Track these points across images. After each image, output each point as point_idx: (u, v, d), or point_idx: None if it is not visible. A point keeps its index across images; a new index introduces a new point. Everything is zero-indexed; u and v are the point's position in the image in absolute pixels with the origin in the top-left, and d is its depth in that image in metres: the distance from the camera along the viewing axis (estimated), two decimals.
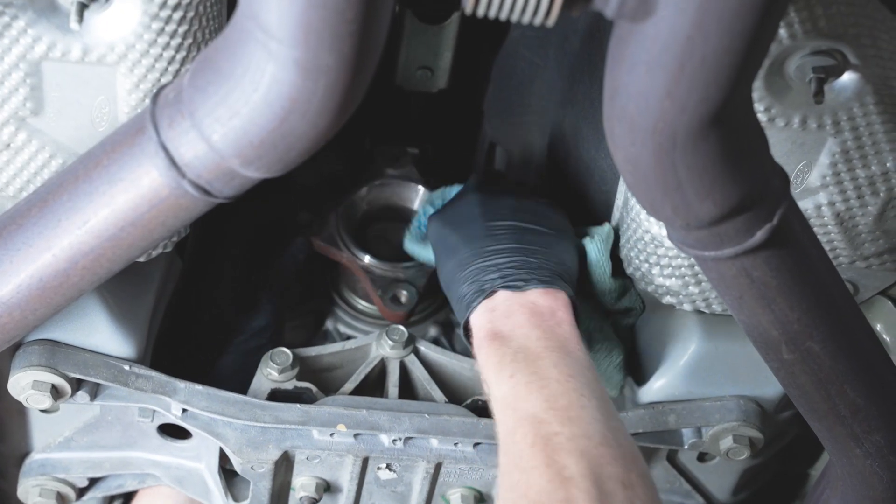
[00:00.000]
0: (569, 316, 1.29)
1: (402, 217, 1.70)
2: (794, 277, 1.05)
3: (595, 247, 1.46)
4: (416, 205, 1.74)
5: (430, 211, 1.54)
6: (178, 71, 1.13)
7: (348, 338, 1.71)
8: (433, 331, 1.74)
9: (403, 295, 1.63)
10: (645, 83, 0.86)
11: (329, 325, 1.76)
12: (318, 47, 0.85)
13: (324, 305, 1.76)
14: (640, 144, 0.91)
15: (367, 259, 1.65)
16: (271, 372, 1.42)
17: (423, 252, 1.55)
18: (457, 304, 1.36)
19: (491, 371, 1.22)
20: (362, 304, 1.74)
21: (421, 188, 1.73)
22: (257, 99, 0.90)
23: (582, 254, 1.48)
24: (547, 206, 1.48)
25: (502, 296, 1.31)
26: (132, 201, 1.00)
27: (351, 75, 0.88)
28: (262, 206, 1.71)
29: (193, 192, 0.98)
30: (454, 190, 1.55)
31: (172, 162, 0.96)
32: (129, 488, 1.54)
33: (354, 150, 1.83)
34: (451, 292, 1.39)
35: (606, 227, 1.49)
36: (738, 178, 0.94)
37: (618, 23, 0.87)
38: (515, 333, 1.26)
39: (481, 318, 1.30)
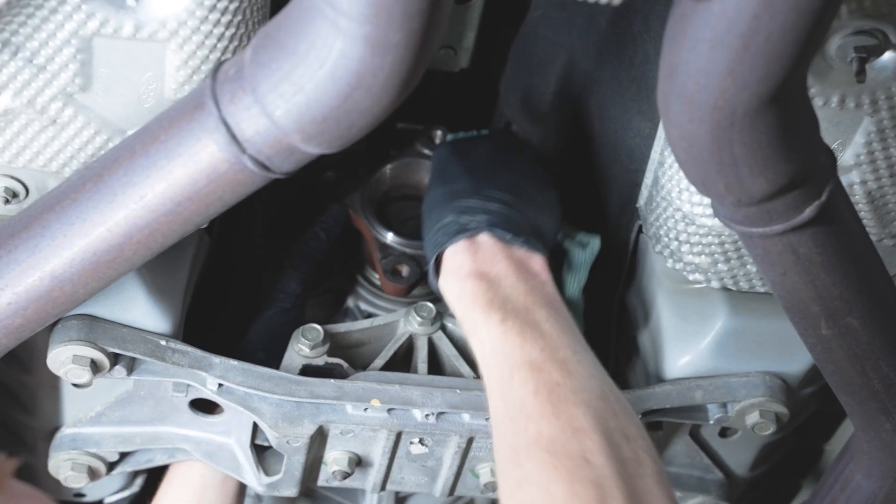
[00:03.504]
0: (551, 278, 1.32)
1: (421, 197, 1.71)
2: (837, 253, 1.07)
3: (580, 255, 1.49)
4: None
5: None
6: (226, 47, 1.14)
7: (369, 315, 1.72)
8: None
9: (405, 269, 1.63)
10: (707, 61, 0.88)
11: (350, 302, 1.76)
12: (388, 24, 0.86)
13: (343, 283, 1.77)
14: (697, 122, 0.93)
15: (384, 234, 1.65)
16: (302, 348, 1.44)
17: None
18: (434, 232, 1.36)
19: (478, 312, 1.24)
20: None
21: None
22: (323, 75, 0.91)
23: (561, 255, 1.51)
24: (548, 181, 1.51)
25: (487, 240, 1.33)
26: (190, 176, 1.01)
27: (417, 52, 0.89)
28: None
29: (253, 168, 0.99)
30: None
31: (233, 137, 0.97)
32: (158, 462, 1.55)
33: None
34: (431, 217, 1.39)
35: (597, 241, 1.51)
36: (791, 155, 0.96)
37: (680, 0, 0.88)
38: (502, 282, 1.27)
39: (463, 255, 1.31)
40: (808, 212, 1.01)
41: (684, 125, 0.94)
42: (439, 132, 1.72)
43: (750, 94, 0.89)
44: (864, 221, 1.32)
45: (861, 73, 1.11)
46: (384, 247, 1.63)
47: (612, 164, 1.59)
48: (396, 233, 1.63)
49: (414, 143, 1.73)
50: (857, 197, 1.29)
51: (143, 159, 1.02)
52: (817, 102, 1.19)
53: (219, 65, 0.99)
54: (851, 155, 1.25)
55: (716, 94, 0.89)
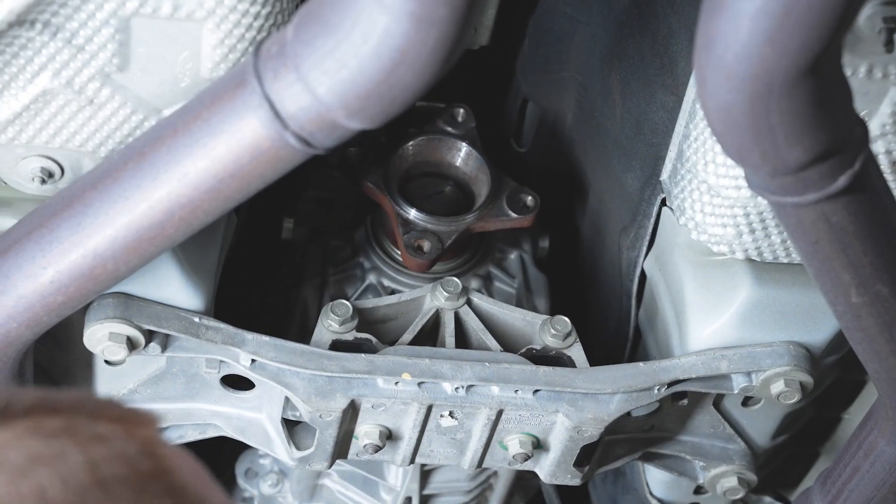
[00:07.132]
0: None
1: (442, 174, 1.73)
2: (869, 221, 1.08)
3: None
4: (458, 162, 1.75)
5: None
6: (262, 26, 1.15)
7: (392, 291, 1.74)
8: (475, 283, 1.77)
9: (426, 245, 1.64)
10: (746, 31, 0.89)
11: (372, 278, 1.78)
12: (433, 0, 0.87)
13: (365, 260, 1.79)
14: (735, 92, 0.94)
15: (408, 210, 1.66)
16: (332, 324, 1.45)
17: None
18: None
19: None
20: None
21: (464, 146, 1.74)
22: (367, 51, 0.92)
23: None
24: None
25: None
26: (233, 153, 1.02)
27: (460, 27, 0.90)
28: None
29: (295, 144, 1.00)
30: None
31: (276, 114, 0.98)
32: (189, 439, 1.56)
33: None
34: None
35: None
36: (827, 124, 0.97)
37: None
38: None
39: None
40: (842, 181, 1.02)
41: (721, 95, 0.95)
42: (462, 110, 1.73)
43: (789, 63, 0.90)
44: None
45: (890, 44, 1.13)
46: (406, 222, 1.65)
47: (634, 139, 1.60)
48: (419, 209, 1.64)
49: (436, 121, 1.74)
50: (883, 167, 1.30)
51: (185, 137, 1.04)
52: (846, 72, 1.20)
53: (260, 42, 1.01)
54: (877, 125, 1.27)
55: (755, 64, 0.91)
